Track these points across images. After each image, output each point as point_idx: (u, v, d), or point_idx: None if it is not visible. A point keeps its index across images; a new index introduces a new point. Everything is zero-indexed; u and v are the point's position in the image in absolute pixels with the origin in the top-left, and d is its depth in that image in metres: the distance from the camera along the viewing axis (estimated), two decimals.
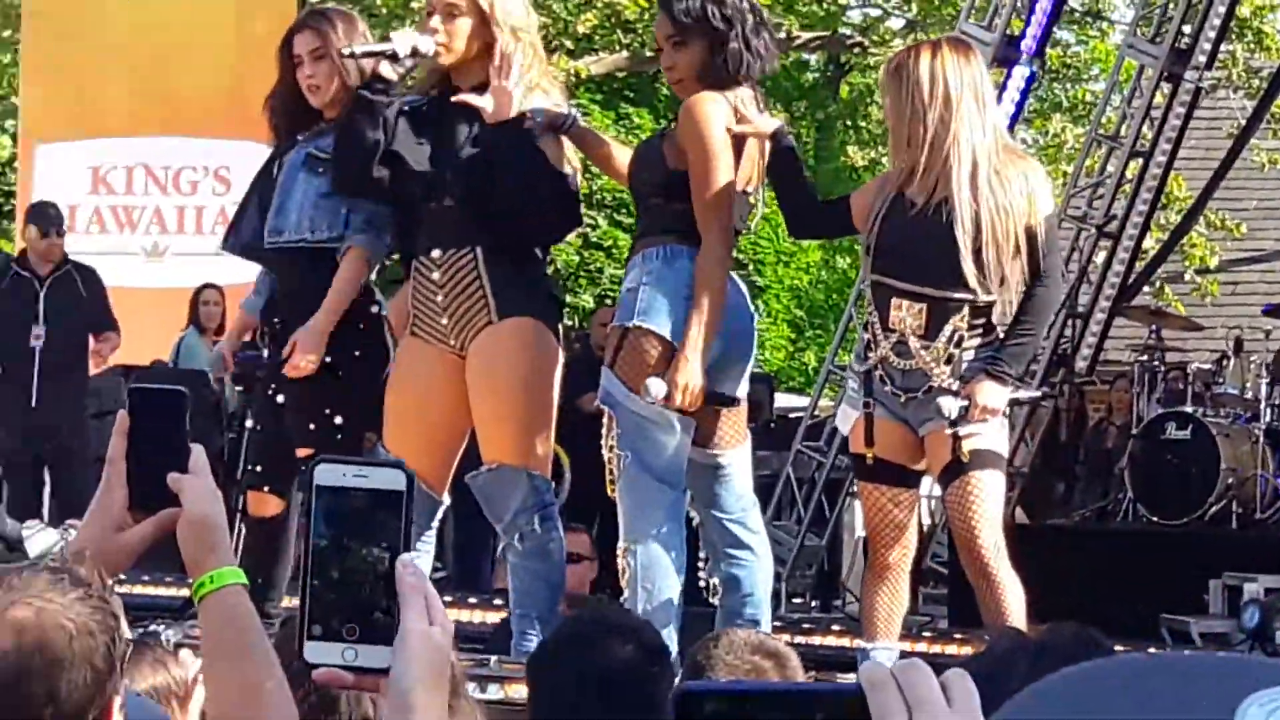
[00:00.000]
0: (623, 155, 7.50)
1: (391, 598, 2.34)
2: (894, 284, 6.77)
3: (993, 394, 6.67)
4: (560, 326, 7.32)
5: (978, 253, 6.62)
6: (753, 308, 7.32)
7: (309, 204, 7.67)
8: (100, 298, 13.14)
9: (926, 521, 13.53)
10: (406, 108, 7.24)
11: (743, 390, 7.16)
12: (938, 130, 6.64)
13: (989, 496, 6.75)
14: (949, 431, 6.67)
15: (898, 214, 6.77)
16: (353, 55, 7.33)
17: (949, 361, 6.73)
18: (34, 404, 12.76)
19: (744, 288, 7.24)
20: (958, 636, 10.18)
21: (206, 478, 2.93)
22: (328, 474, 2.40)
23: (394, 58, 7.14)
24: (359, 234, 7.57)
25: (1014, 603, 6.75)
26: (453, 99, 7.09)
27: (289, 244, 7.70)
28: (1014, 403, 6.93)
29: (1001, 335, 6.84)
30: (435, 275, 7.13)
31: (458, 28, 7.11)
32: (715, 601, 7.20)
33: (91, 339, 13.01)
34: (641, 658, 3.67)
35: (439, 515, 7.38)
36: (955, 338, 6.72)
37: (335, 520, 2.39)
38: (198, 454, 2.93)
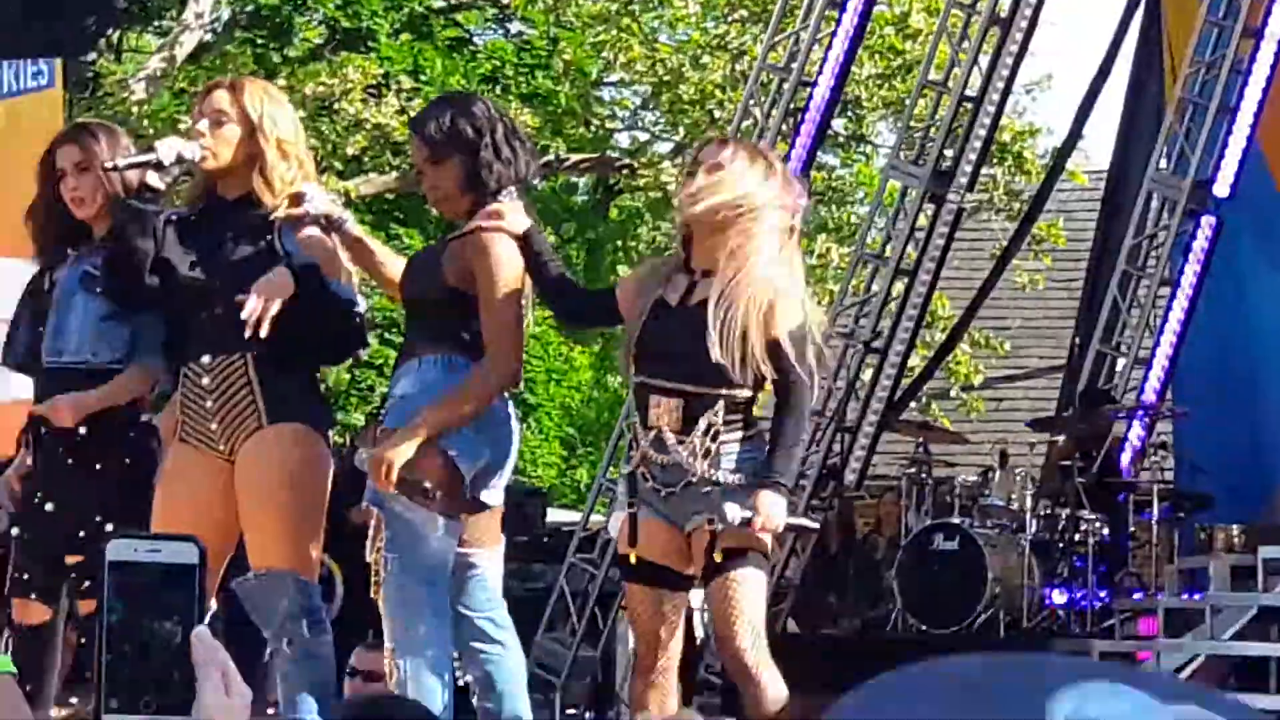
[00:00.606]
0: (392, 262, 7.49)
1: (187, 670, 2.36)
2: (652, 382, 6.81)
3: (775, 506, 6.67)
4: (330, 435, 7.29)
5: (730, 345, 6.67)
6: (516, 424, 7.30)
7: (89, 326, 7.63)
8: None
9: (700, 632, 13.56)
10: (174, 217, 7.20)
11: (498, 498, 7.14)
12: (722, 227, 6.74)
13: (748, 594, 6.73)
14: (708, 528, 6.68)
15: (658, 313, 6.82)
16: (115, 168, 7.28)
17: (706, 455, 6.74)
18: None
19: (510, 405, 7.25)
20: None
21: None
22: (120, 549, 2.40)
23: (159, 166, 7.10)
24: (149, 356, 7.54)
25: (775, 701, 6.75)
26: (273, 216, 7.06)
27: (69, 364, 7.65)
28: (795, 527, 6.92)
29: (760, 430, 6.86)
30: (205, 380, 7.09)
31: (223, 135, 7.12)
32: (474, 703, 7.17)
33: None
34: None
35: (206, 621, 7.26)
36: (710, 431, 6.74)
37: (128, 594, 2.39)
38: None
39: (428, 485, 6.83)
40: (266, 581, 6.97)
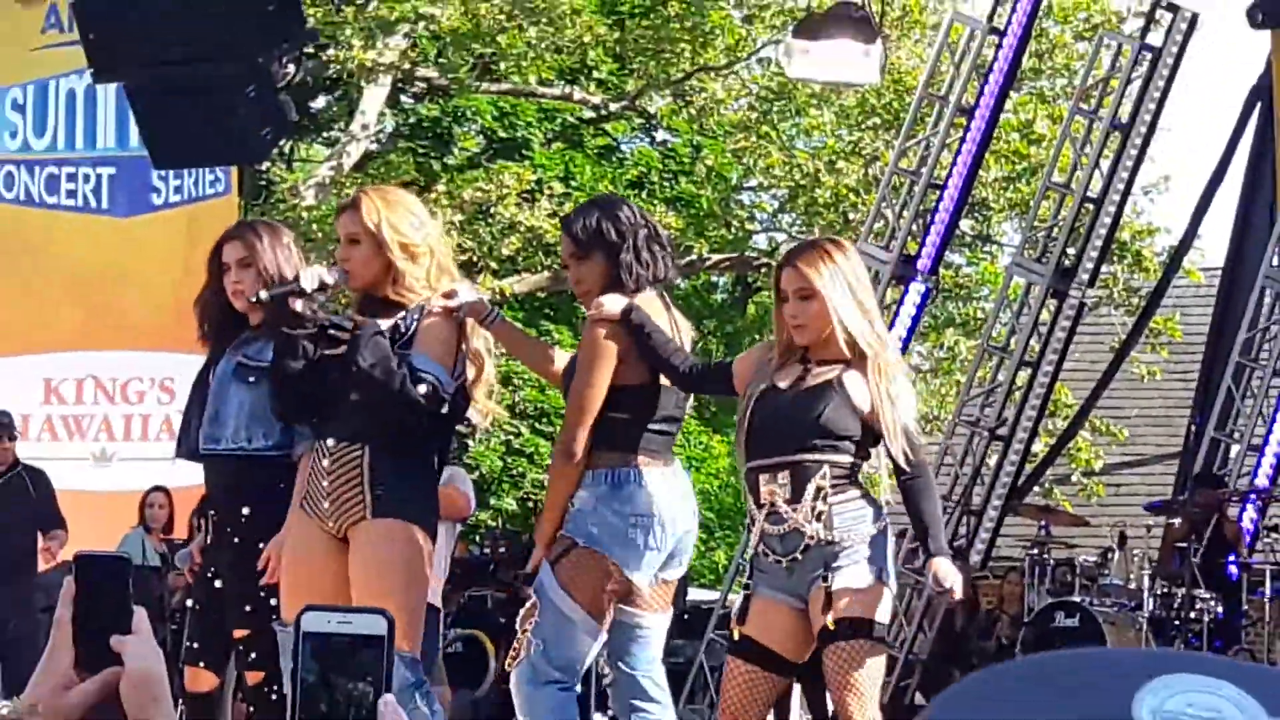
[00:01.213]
0: (544, 353, 7.59)
1: None
2: (761, 463, 6.83)
3: (954, 573, 6.71)
4: (432, 523, 7.35)
5: (841, 421, 6.69)
6: (693, 498, 7.33)
7: (244, 414, 7.72)
8: (49, 498, 13.17)
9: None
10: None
11: (676, 573, 7.17)
12: (858, 315, 6.78)
13: (865, 667, 6.68)
14: (826, 585, 6.66)
15: (770, 396, 6.84)
16: (260, 300, 7.36)
17: (819, 517, 6.73)
18: None
19: (685, 483, 7.27)
20: None
21: (148, 637, 2.92)
22: (314, 621, 2.45)
23: (304, 294, 7.19)
24: (309, 439, 7.63)
25: None
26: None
27: (226, 452, 7.75)
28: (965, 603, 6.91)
29: (866, 491, 6.85)
30: (325, 462, 7.17)
31: (356, 254, 7.21)
32: None
33: (40, 537, 13.02)
34: None
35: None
36: (819, 494, 6.74)
37: (321, 659, 2.43)
38: (140, 615, 2.93)
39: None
40: None
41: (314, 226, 22.50)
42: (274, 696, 7.72)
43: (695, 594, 19.48)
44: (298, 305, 7.21)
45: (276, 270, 7.53)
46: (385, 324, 7.13)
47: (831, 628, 6.65)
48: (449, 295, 7.11)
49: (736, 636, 6.94)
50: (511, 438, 26.56)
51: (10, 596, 12.71)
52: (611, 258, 7.09)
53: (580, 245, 7.16)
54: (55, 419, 17.19)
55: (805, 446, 6.73)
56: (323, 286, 7.24)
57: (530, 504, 26.03)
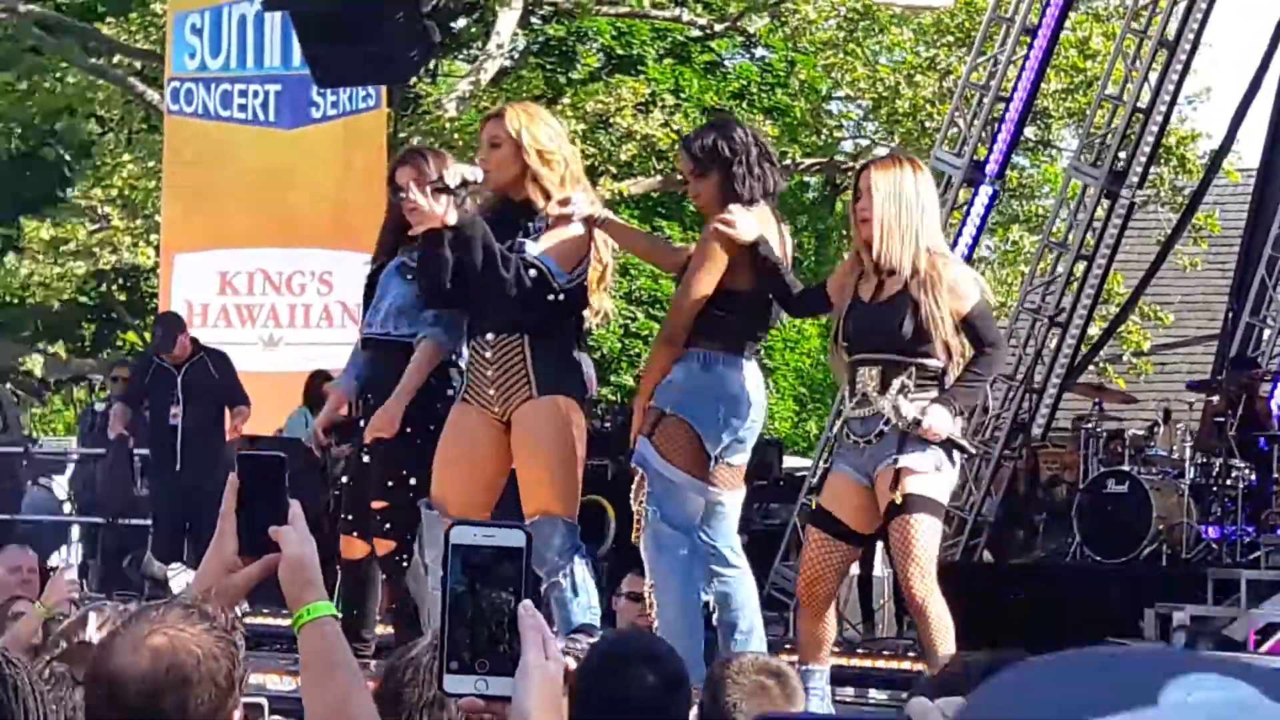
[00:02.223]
0: (655, 244, 7.63)
1: (514, 636, 2.40)
2: (859, 357, 6.82)
3: (939, 416, 6.67)
4: (585, 401, 7.34)
5: (918, 330, 6.63)
6: (764, 394, 7.29)
7: (395, 306, 7.76)
8: (231, 376, 13.22)
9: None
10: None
11: (743, 459, 7.14)
12: (904, 236, 6.72)
13: (923, 540, 6.68)
14: (895, 465, 6.64)
15: (857, 308, 6.80)
16: (408, 194, 7.36)
17: (897, 409, 6.70)
18: (178, 468, 12.89)
19: (760, 378, 7.24)
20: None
21: (302, 528, 2.95)
22: (461, 534, 2.45)
23: (448, 189, 7.17)
24: (431, 328, 7.62)
25: (943, 634, 6.67)
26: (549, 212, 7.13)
27: (376, 336, 7.78)
28: (953, 444, 6.82)
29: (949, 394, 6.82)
30: (488, 354, 7.16)
31: (496, 156, 7.18)
32: (714, 621, 7.17)
33: (227, 412, 13.12)
34: (661, 685, 3.60)
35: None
36: (903, 390, 6.71)
37: (468, 570, 2.43)
38: (295, 508, 2.96)
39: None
40: (540, 526, 7.03)
41: (456, 135, 22.50)
42: (405, 565, 7.72)
43: (789, 461, 19.43)
44: (443, 200, 7.19)
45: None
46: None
47: (899, 501, 6.64)
48: (564, 203, 7.10)
49: (815, 506, 6.96)
50: (629, 321, 26.53)
51: (201, 467, 12.78)
52: (726, 173, 7.03)
53: (698, 163, 7.11)
54: (229, 308, 17.31)
55: (897, 348, 6.71)
56: (464, 182, 7.23)
57: None
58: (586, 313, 7.31)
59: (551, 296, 7.03)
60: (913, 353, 6.70)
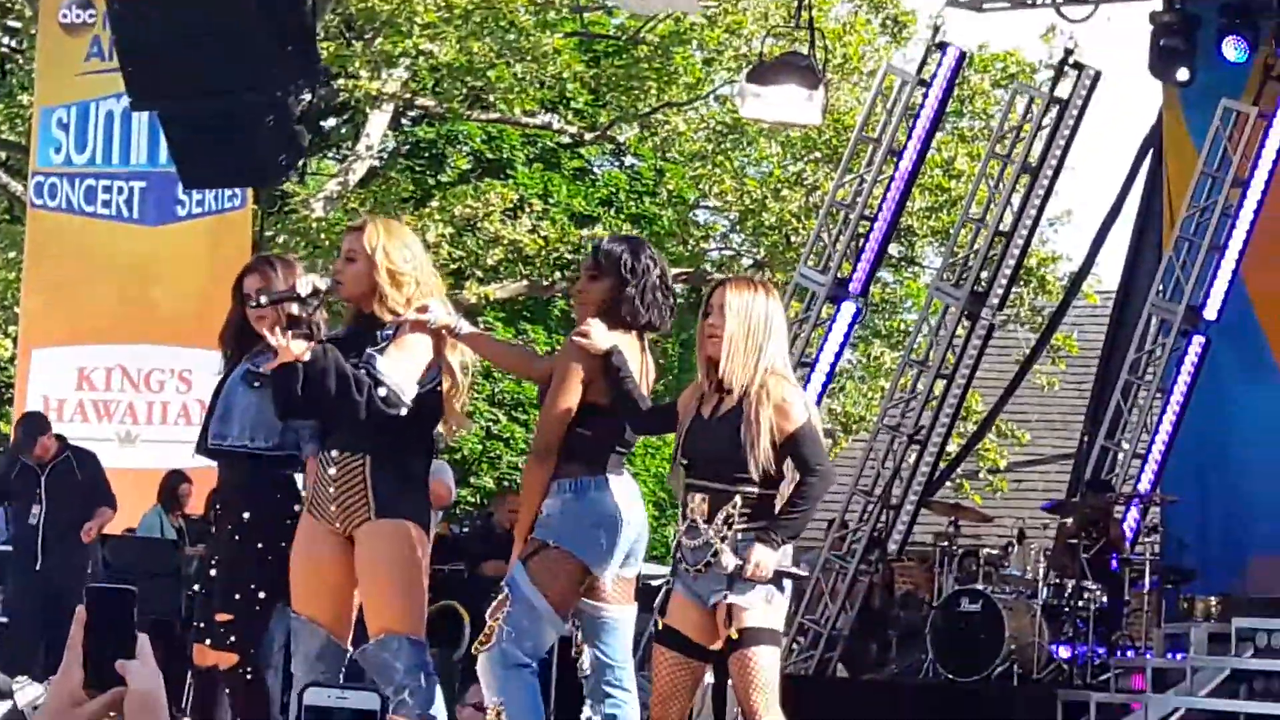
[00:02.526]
0: (512, 351, 7.63)
1: None
2: (689, 482, 6.85)
3: (763, 555, 6.68)
4: (430, 522, 7.32)
5: (745, 449, 6.69)
6: (641, 506, 7.28)
7: (249, 416, 7.71)
8: (96, 477, 13.06)
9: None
10: (331, 336, 7.28)
11: (632, 571, 7.15)
12: (748, 358, 6.76)
13: (763, 671, 6.69)
14: (726, 601, 6.68)
15: (695, 425, 6.84)
16: (260, 304, 7.38)
17: (723, 540, 6.75)
18: (37, 568, 12.72)
19: (634, 490, 7.23)
20: None
21: (149, 661, 2.92)
22: (316, 696, 2.47)
23: (300, 300, 7.19)
24: (310, 443, 7.63)
25: None
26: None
27: (232, 449, 7.75)
28: (784, 574, 6.87)
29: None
30: (331, 471, 7.15)
31: (350, 270, 7.21)
32: None
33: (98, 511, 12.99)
34: None
35: (345, 660, 7.34)
36: (728, 520, 6.75)
37: None
38: (142, 642, 2.93)
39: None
40: (384, 644, 7.00)
41: (322, 235, 22.47)
42: (248, 677, 7.68)
43: (648, 568, 19.43)
44: (294, 308, 7.19)
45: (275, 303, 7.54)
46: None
47: (735, 636, 6.69)
48: (422, 310, 7.10)
49: (661, 627, 6.97)
50: (490, 424, 26.54)
51: (64, 569, 12.62)
52: (618, 287, 7.04)
53: (598, 266, 7.11)
54: (86, 403, 17.14)
55: (722, 476, 6.75)
56: (315, 292, 7.24)
57: (506, 484, 26.00)
58: (442, 425, 7.31)
59: (397, 414, 7.03)
60: (737, 478, 6.74)
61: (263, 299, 7.31)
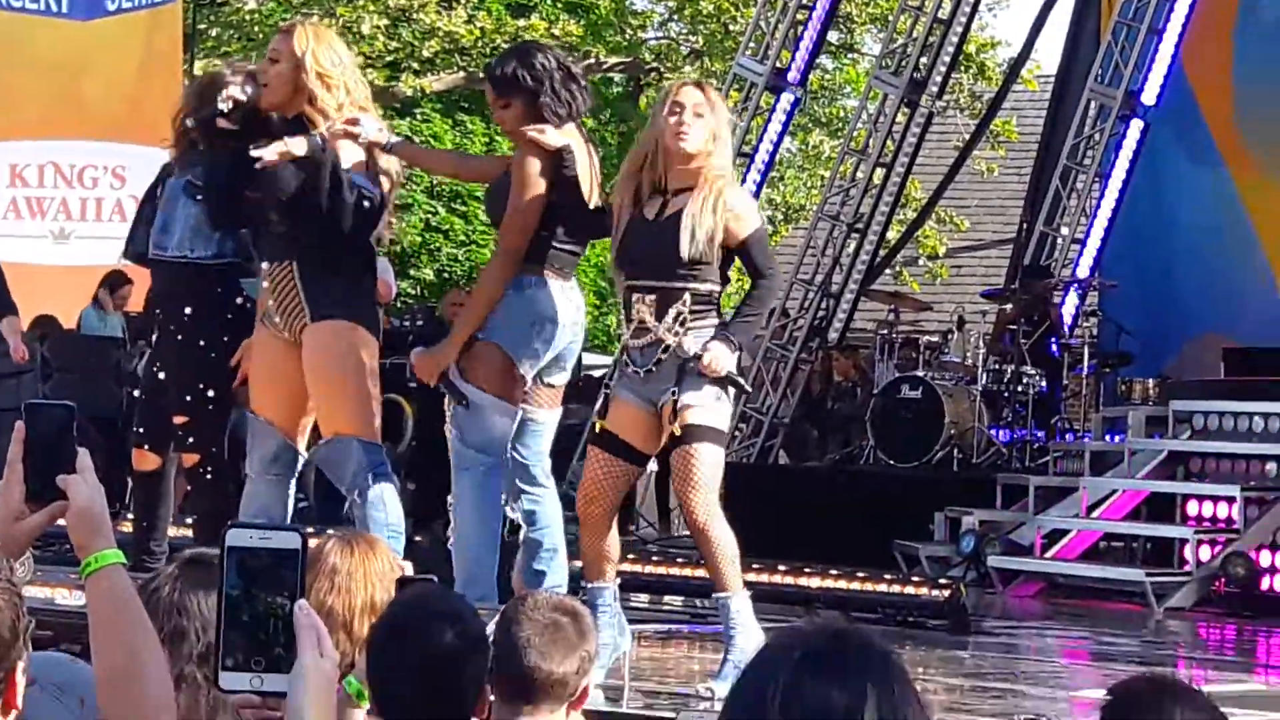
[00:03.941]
0: (442, 155, 7.61)
1: (290, 636, 2.45)
2: (634, 283, 6.79)
3: (721, 353, 6.65)
4: (374, 312, 7.30)
5: (694, 250, 6.64)
6: (581, 312, 7.24)
7: (189, 226, 7.67)
8: None
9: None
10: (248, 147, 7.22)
11: (562, 379, 7.15)
12: (699, 161, 6.69)
13: (704, 468, 6.65)
14: (675, 397, 6.66)
15: (637, 226, 6.77)
16: (188, 126, 7.36)
17: (675, 336, 6.71)
18: None
19: (577, 297, 7.19)
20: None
21: (90, 476, 2.90)
22: (237, 537, 2.47)
23: (223, 114, 7.12)
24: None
25: (727, 557, 6.71)
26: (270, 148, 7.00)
27: (171, 259, 7.70)
28: (732, 380, 6.84)
29: (724, 318, 6.85)
30: (266, 283, 7.14)
31: (274, 71, 7.12)
32: (521, 535, 7.20)
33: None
34: (461, 643, 3.60)
35: (299, 463, 7.38)
36: (679, 317, 6.72)
37: (244, 574, 2.47)
38: (83, 456, 2.91)
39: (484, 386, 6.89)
40: (334, 447, 7.07)
41: (256, 29, 22.19)
42: (208, 476, 7.73)
43: (589, 358, 19.48)
44: (222, 124, 7.14)
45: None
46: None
47: (679, 433, 6.67)
48: (352, 122, 7.02)
49: (598, 429, 6.95)
50: (429, 216, 26.38)
51: None
52: (531, 101, 6.97)
53: (501, 91, 7.06)
54: (19, 200, 16.95)
55: (671, 275, 6.70)
56: (237, 105, 7.18)
57: (445, 275, 25.93)
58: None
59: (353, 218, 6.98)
60: (688, 276, 6.70)
61: (189, 122, 7.29)
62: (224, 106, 7.14)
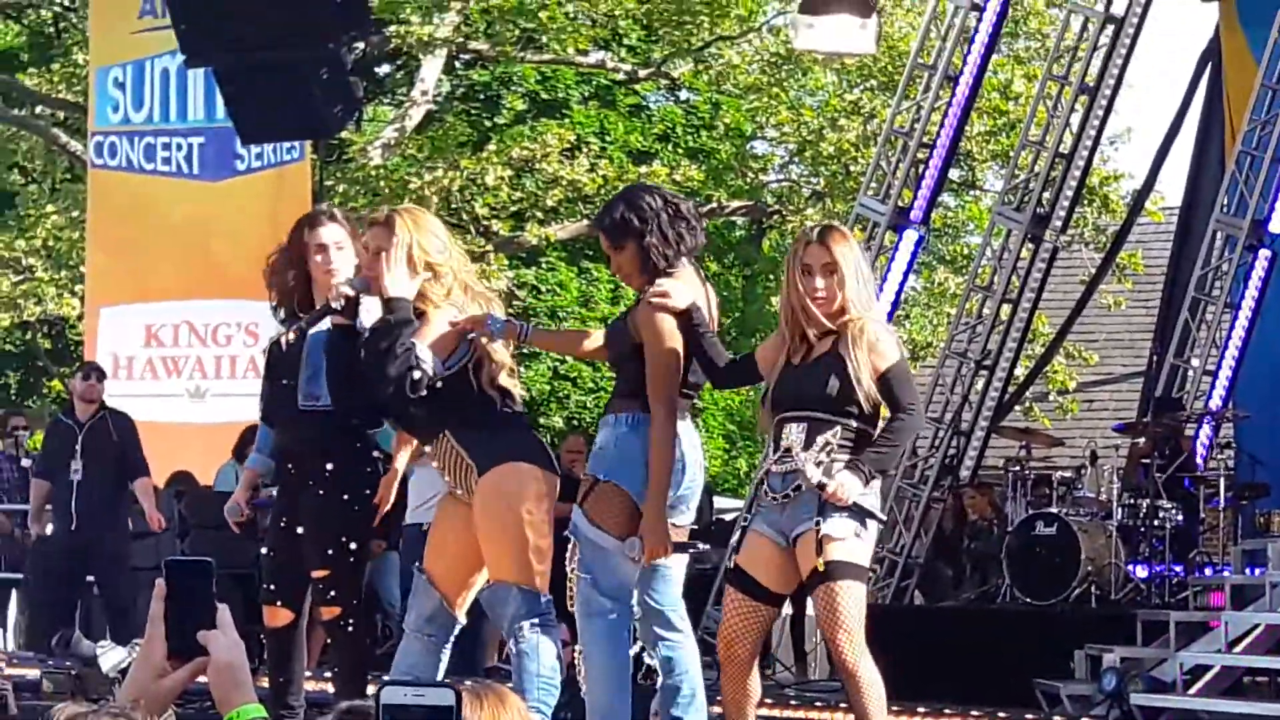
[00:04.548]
0: (579, 340, 7.72)
1: None
2: (786, 415, 6.77)
3: (849, 481, 6.61)
4: (541, 450, 7.33)
5: (843, 387, 6.64)
6: (700, 452, 7.22)
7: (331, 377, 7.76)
8: (131, 440, 12.88)
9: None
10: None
11: (686, 519, 7.12)
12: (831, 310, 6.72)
13: (849, 606, 6.60)
14: (817, 529, 6.61)
15: (787, 372, 6.78)
16: (299, 330, 7.53)
17: (819, 465, 6.68)
18: (73, 527, 12.59)
19: (694, 436, 7.18)
20: None
21: (230, 631, 2.92)
22: (391, 695, 2.48)
23: (336, 310, 7.37)
24: None
25: (874, 698, 6.63)
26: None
27: (326, 408, 7.75)
28: (867, 512, 6.79)
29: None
30: (435, 464, 7.32)
31: (380, 266, 7.21)
32: (659, 682, 7.15)
33: (134, 486, 12.80)
34: None
35: (455, 629, 7.45)
36: (826, 447, 6.69)
37: None
38: (223, 611, 2.94)
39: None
40: (495, 591, 7.12)
41: (380, 183, 22.48)
42: (349, 629, 7.78)
43: (720, 501, 19.45)
44: (335, 320, 7.32)
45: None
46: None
47: (822, 569, 6.60)
48: (478, 323, 7.09)
49: (733, 565, 6.91)
50: (558, 364, 26.53)
51: (100, 523, 12.57)
52: (640, 243, 6.96)
53: (612, 238, 7.08)
54: (155, 360, 17.19)
55: (824, 408, 6.68)
56: (348, 301, 7.32)
57: (575, 422, 26.02)
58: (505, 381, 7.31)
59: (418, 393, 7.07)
60: (839, 411, 6.68)
61: (335, 304, 7.39)
62: (337, 305, 7.25)
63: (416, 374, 6.96)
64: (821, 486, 6.57)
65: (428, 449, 7.38)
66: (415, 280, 7.09)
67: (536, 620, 7.06)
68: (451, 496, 7.32)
